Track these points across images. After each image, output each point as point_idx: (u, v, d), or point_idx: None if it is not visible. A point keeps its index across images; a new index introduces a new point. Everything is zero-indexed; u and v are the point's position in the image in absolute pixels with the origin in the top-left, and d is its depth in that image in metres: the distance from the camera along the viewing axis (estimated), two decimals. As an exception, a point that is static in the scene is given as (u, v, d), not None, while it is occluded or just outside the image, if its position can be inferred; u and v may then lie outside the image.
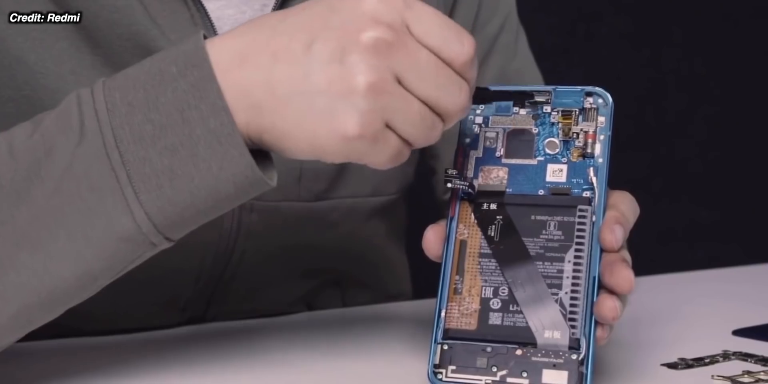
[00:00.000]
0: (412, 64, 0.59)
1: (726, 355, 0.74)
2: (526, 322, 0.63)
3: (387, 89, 0.58)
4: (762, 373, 0.70)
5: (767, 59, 2.22)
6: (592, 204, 0.65)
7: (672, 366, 0.72)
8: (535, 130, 0.67)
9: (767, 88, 2.23)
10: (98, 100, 0.61)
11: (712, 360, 0.73)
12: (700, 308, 0.93)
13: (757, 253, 1.28)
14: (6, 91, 0.75)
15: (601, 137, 0.66)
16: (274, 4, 0.80)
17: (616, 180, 0.68)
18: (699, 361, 0.73)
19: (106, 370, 0.72)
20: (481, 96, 0.67)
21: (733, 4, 2.18)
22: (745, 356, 0.74)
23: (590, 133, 0.66)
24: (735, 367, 0.72)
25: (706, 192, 2.20)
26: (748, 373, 0.70)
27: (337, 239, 0.92)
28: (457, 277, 0.65)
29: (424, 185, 1.00)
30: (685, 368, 0.72)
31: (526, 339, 0.63)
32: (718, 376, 0.69)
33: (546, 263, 0.64)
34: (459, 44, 0.60)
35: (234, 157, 0.60)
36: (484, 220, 0.66)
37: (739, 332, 0.82)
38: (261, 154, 0.62)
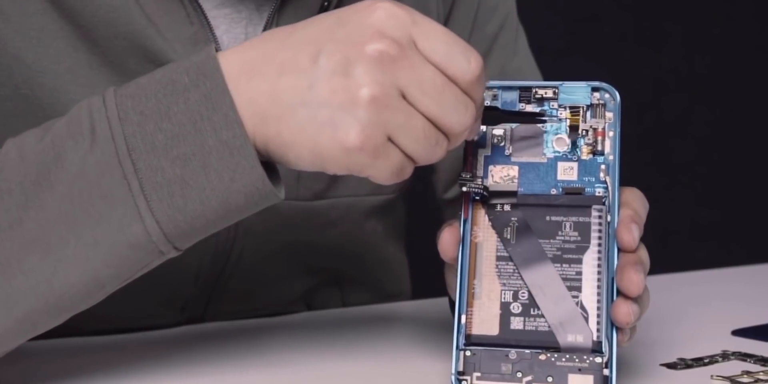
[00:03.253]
0: (416, 79, 0.59)
1: (725, 355, 0.74)
2: (548, 327, 0.63)
3: (390, 103, 0.59)
4: (761, 374, 0.70)
5: (767, 59, 2.22)
6: (606, 203, 0.64)
7: (671, 366, 0.72)
8: (542, 127, 0.66)
9: (767, 88, 2.23)
10: (110, 108, 0.61)
11: (712, 360, 0.73)
12: (700, 308, 0.92)
13: (757, 254, 1.28)
14: (4, 89, 0.76)
15: (611, 134, 0.65)
16: (272, 4, 0.79)
17: (617, 179, 0.68)
18: (698, 361, 0.73)
19: (105, 370, 0.72)
20: (491, 116, 0.66)
21: (733, 4, 2.18)
22: (744, 356, 0.74)
23: (599, 130, 0.66)
24: (734, 367, 0.72)
25: (706, 192, 2.20)
26: (748, 373, 0.70)
27: (336, 238, 0.92)
28: (474, 282, 0.65)
29: (424, 184, 1.00)
30: (684, 368, 0.72)
31: (549, 343, 0.63)
32: (718, 376, 0.69)
33: (564, 265, 0.64)
34: (465, 62, 0.60)
35: (245, 169, 0.60)
36: (498, 222, 0.65)
37: (739, 332, 0.82)
38: (269, 168, 0.62)
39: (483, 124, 0.65)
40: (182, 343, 0.82)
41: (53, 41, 0.75)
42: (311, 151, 0.60)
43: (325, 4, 0.80)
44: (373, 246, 0.98)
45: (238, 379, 0.71)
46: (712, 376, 0.69)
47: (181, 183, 0.61)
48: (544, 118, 0.66)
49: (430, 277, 0.83)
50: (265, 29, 0.79)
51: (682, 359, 0.73)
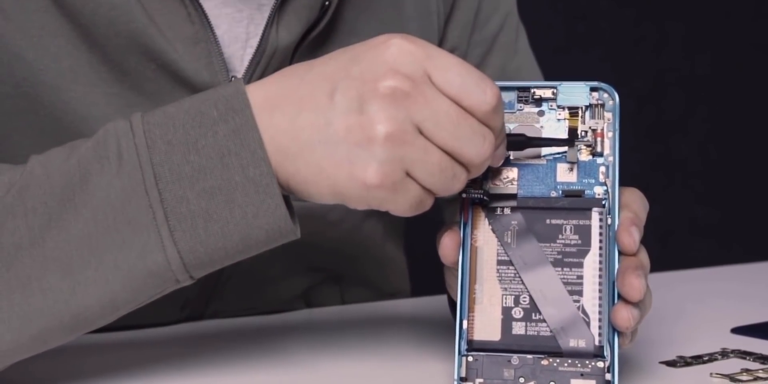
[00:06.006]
0: (430, 113, 0.59)
1: (725, 353, 0.74)
2: (550, 331, 0.63)
3: (405, 139, 0.59)
4: (760, 371, 0.70)
5: (767, 59, 2.23)
6: (607, 206, 0.64)
7: (671, 364, 0.72)
8: (540, 128, 0.66)
9: (767, 88, 2.23)
10: (138, 135, 0.62)
11: (711, 358, 0.73)
12: (699, 306, 0.93)
13: (756, 252, 1.28)
14: (4, 87, 0.76)
15: (609, 134, 0.65)
16: (273, 3, 0.79)
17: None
18: (698, 359, 0.73)
19: (104, 368, 0.72)
20: (517, 142, 0.65)
21: (734, 3, 2.18)
22: (743, 354, 0.74)
23: (598, 131, 0.65)
24: (733, 365, 0.72)
25: (706, 191, 2.20)
26: (747, 371, 0.70)
27: (335, 237, 0.92)
28: (476, 286, 0.64)
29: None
30: (683, 366, 0.72)
31: (551, 348, 0.63)
32: (717, 374, 0.69)
33: (565, 269, 0.64)
34: (481, 93, 0.60)
35: (270, 208, 0.61)
36: (498, 226, 0.65)
37: (738, 330, 0.82)
38: (286, 203, 0.63)
39: (509, 149, 0.64)
40: (181, 340, 0.82)
41: (54, 39, 0.75)
42: (330, 188, 0.60)
43: (326, 3, 0.80)
44: (373, 245, 0.98)
45: (237, 376, 0.71)
46: (711, 373, 0.69)
47: (205, 216, 0.61)
48: (573, 142, 0.65)
49: (430, 277, 0.83)
50: (265, 29, 0.79)
51: (681, 357, 0.73)
